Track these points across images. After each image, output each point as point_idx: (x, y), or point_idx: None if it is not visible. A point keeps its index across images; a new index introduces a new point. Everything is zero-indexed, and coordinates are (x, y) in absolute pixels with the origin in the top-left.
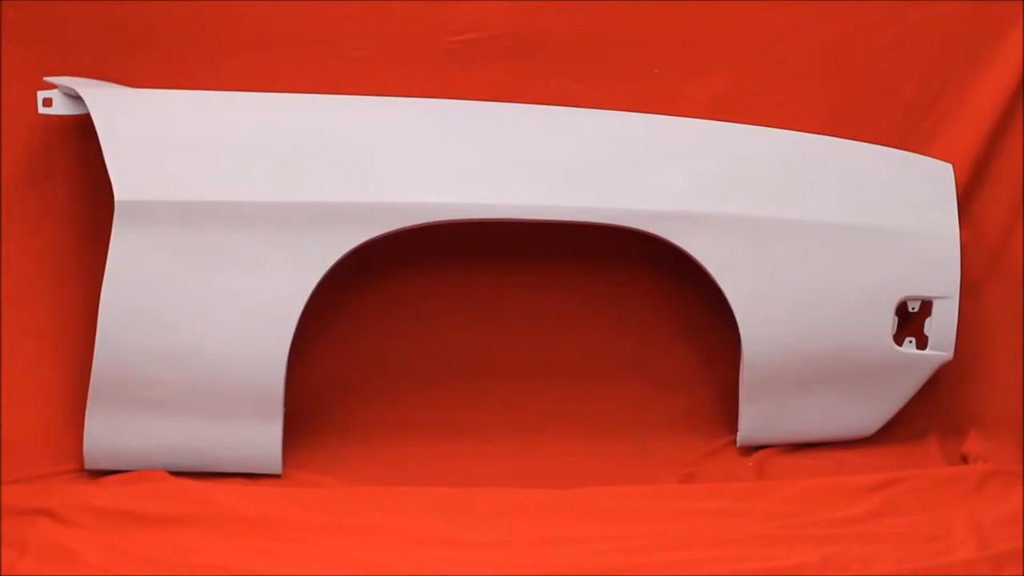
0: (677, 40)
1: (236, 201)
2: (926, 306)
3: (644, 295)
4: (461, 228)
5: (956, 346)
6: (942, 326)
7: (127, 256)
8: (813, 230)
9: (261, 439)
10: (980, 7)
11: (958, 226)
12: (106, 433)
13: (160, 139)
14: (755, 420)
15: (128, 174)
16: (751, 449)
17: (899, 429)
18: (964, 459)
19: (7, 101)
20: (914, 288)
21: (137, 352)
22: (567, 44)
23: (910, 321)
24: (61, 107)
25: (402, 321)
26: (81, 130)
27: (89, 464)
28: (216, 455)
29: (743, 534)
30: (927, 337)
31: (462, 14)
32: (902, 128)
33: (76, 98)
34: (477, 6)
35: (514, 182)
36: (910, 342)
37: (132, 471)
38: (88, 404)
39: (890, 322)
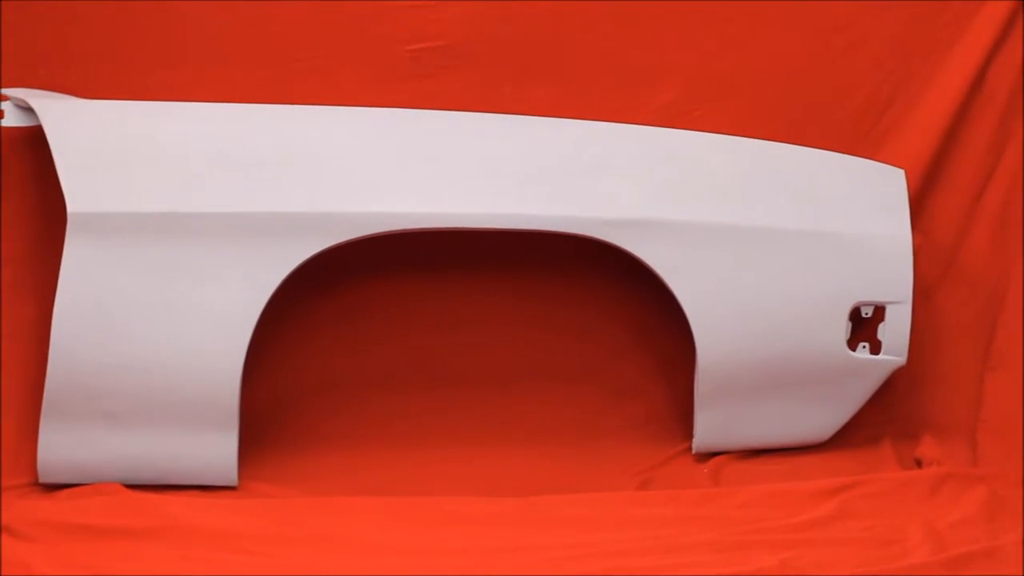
0: (631, 47)
1: (190, 212)
2: (879, 311)
3: (599, 302)
4: (416, 237)
5: (909, 351)
6: (895, 331)
7: (80, 268)
8: (766, 236)
9: (216, 450)
10: (930, 14)
11: (911, 231)
12: (60, 446)
13: (113, 150)
14: (710, 426)
15: (81, 186)
16: (707, 455)
17: (854, 434)
18: (918, 463)
19: None
20: (867, 293)
21: (91, 364)
22: (520, 52)
23: (863, 326)
24: (13, 119)
25: (357, 331)
26: (33, 142)
27: (43, 478)
28: (171, 467)
29: (699, 540)
30: (880, 342)
31: (415, 23)
32: (854, 134)
33: (28, 109)
34: (430, 15)
35: (468, 191)
36: (864, 347)
37: (87, 484)
38: (42, 417)
39: (844, 327)
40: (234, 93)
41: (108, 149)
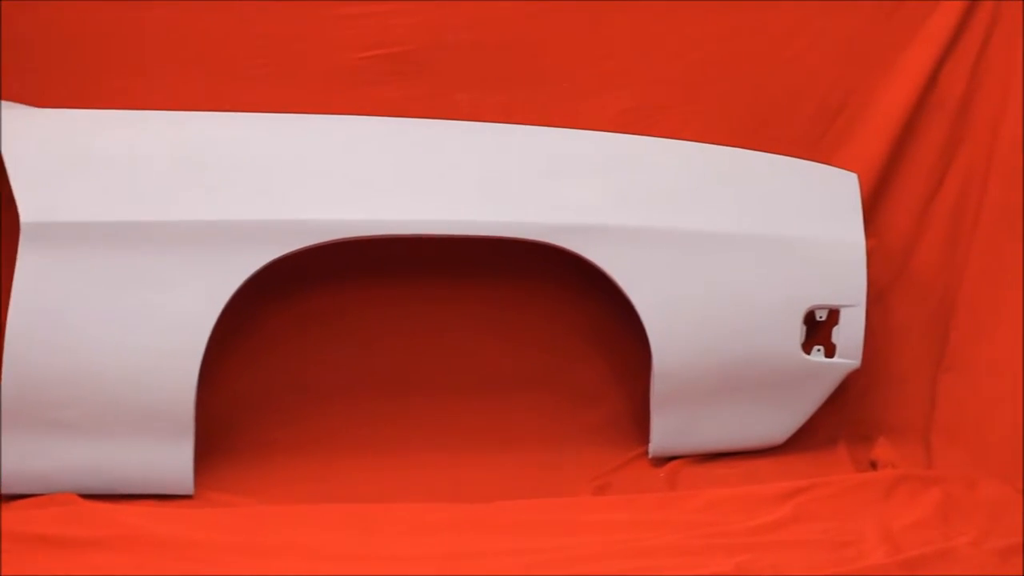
0: (584, 54)
1: (144, 221)
2: (833, 315)
3: (555, 308)
4: (371, 244)
5: (863, 354)
6: (849, 334)
7: (34, 278)
8: (721, 241)
9: (173, 460)
10: (881, 18)
11: (864, 235)
12: (15, 457)
13: (66, 159)
14: (666, 430)
15: (34, 195)
16: (663, 460)
17: (809, 437)
18: (873, 465)
19: None
20: (821, 297)
21: (45, 374)
22: (474, 59)
23: (818, 330)
24: None
25: (313, 339)
26: None
27: None
28: (127, 476)
29: (656, 544)
30: (835, 345)
31: (369, 31)
32: (808, 138)
33: None
34: (383, 22)
35: (423, 198)
36: (818, 350)
37: (42, 495)
38: None
39: (798, 331)
40: (188, 101)
41: (61, 158)
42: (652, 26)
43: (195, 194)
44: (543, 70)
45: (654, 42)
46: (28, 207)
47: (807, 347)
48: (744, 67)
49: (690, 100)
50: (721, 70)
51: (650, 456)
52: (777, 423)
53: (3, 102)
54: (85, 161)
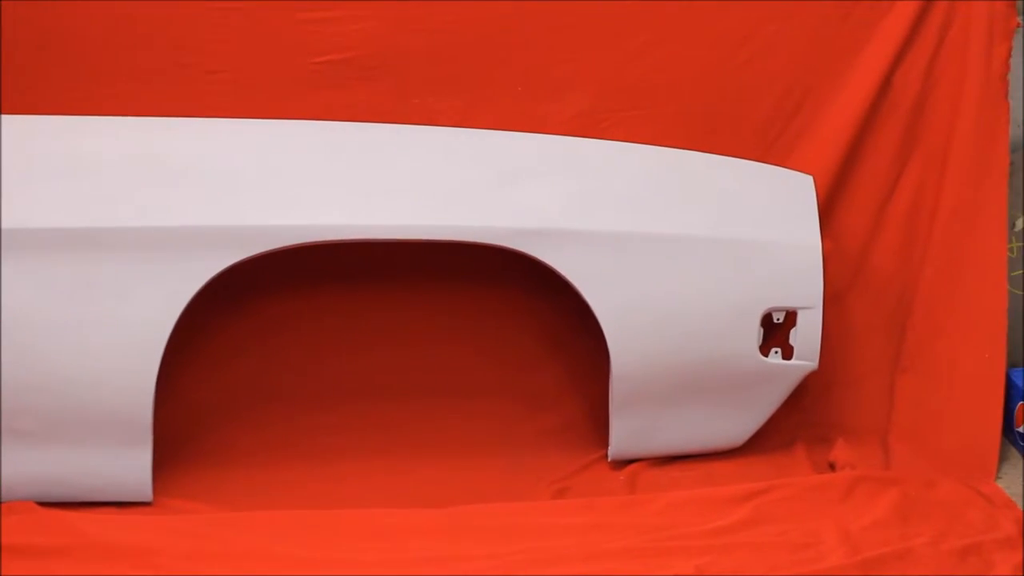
0: (540, 58)
1: (98, 227)
2: (791, 316)
3: (513, 312)
4: (328, 250)
5: (821, 355)
6: (807, 336)
7: None
8: (678, 244)
9: (131, 467)
10: (835, 20)
11: (820, 237)
12: None
13: (21, 165)
14: (625, 434)
15: None
16: (622, 463)
17: (767, 439)
18: (831, 467)
19: None
20: (778, 299)
21: (1, 382)
22: (429, 64)
23: (775, 332)
24: None
25: (271, 346)
26: None
27: None
28: (85, 484)
29: (616, 548)
30: (792, 347)
31: (324, 35)
32: (763, 141)
33: None
34: (338, 27)
35: (380, 202)
36: (776, 352)
37: None
38: None
39: (756, 333)
40: (143, 106)
41: (15, 164)
42: (607, 30)
43: (151, 199)
44: (499, 74)
45: (609, 46)
46: None
47: (765, 349)
48: (699, 70)
49: (646, 103)
50: (676, 73)
51: (609, 459)
52: (736, 425)
53: None
54: (40, 167)
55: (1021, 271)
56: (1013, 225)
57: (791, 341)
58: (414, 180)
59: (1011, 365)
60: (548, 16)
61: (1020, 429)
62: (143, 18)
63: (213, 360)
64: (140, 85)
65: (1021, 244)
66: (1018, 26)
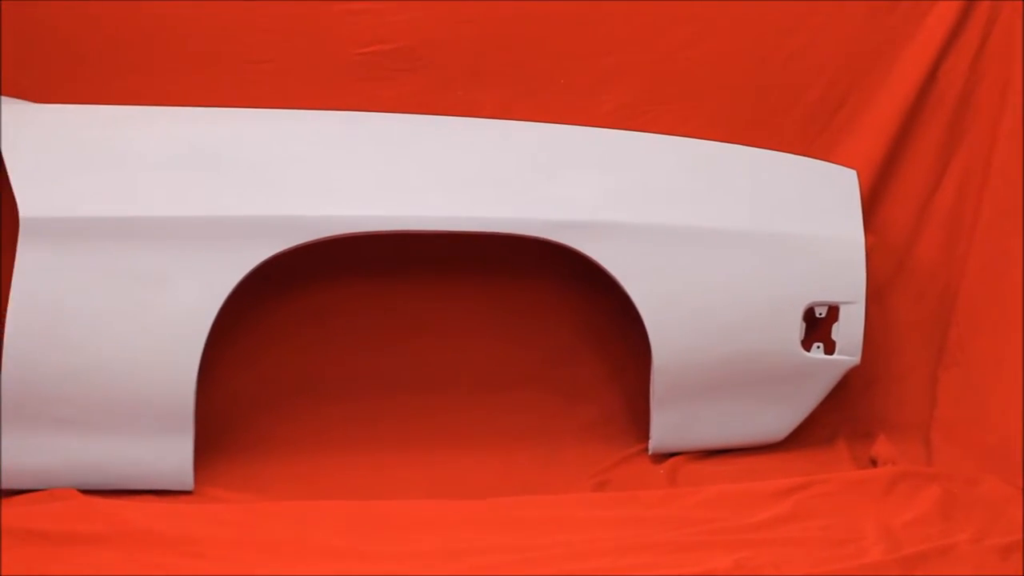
0: (582, 50)
1: (144, 216)
2: (833, 311)
3: (553, 304)
4: (370, 240)
5: (863, 350)
6: (849, 331)
7: (33, 273)
8: (720, 237)
9: (172, 455)
10: (881, 15)
11: (863, 231)
12: (15, 452)
13: (66, 154)
14: (666, 427)
15: (33, 190)
16: (662, 456)
17: (808, 434)
18: (873, 462)
19: None
20: (821, 294)
21: (45, 370)
22: (473, 56)
23: (817, 326)
24: None
25: (312, 336)
26: None
27: None
28: (127, 472)
29: (655, 541)
30: (834, 342)
31: (368, 26)
32: (807, 135)
33: None
34: (382, 18)
35: (421, 194)
36: (818, 347)
37: (42, 490)
38: None
39: (798, 328)
40: (188, 97)
41: (61, 153)
42: (651, 22)
43: (195, 189)
44: (541, 66)
45: (653, 38)
46: (27, 202)
47: (807, 344)
48: (743, 63)
49: (688, 96)
50: (720, 66)
51: (650, 452)
52: (777, 420)
53: (3, 98)
54: (85, 156)
55: None
56: None
57: (833, 336)
58: (455, 172)
59: None
60: (591, 8)
61: None
62: (187, 8)
63: (253, 350)
64: (184, 75)
65: None
66: None
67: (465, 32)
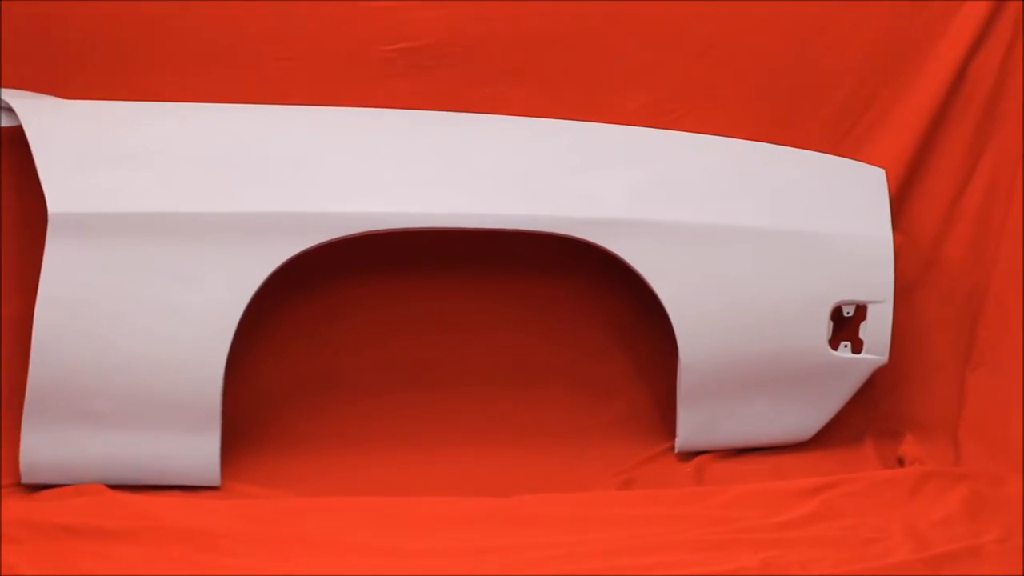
0: (611, 48)
1: (171, 212)
2: (860, 310)
3: (580, 302)
4: (397, 237)
5: (891, 350)
6: (877, 330)
7: (62, 268)
8: (747, 236)
9: (199, 451)
10: (909, 13)
11: (891, 230)
12: (42, 447)
13: (94, 150)
14: (693, 425)
15: (62, 186)
16: (689, 454)
17: (836, 433)
18: (900, 462)
19: None
20: (848, 292)
21: (73, 365)
22: (501, 52)
23: (845, 325)
24: None
25: (339, 332)
26: (13, 142)
27: (26, 478)
28: (154, 467)
29: (682, 539)
30: (862, 341)
31: (395, 23)
32: (835, 133)
33: (8, 110)
34: (410, 15)
35: (448, 191)
36: (845, 346)
37: (69, 485)
38: (24, 417)
39: (825, 326)
40: (214, 93)
41: (89, 149)
42: (679, 20)
43: (222, 186)
44: (570, 63)
45: (681, 36)
46: (56, 198)
47: (834, 343)
48: (771, 62)
49: (716, 95)
50: (748, 64)
51: (676, 451)
52: (804, 419)
53: (32, 93)
54: (112, 152)
55: None
56: None
57: (861, 335)
58: (483, 169)
59: None
60: (619, 6)
61: None
62: (214, 6)
63: (281, 345)
64: (211, 72)
65: None
66: None
67: (491, 30)
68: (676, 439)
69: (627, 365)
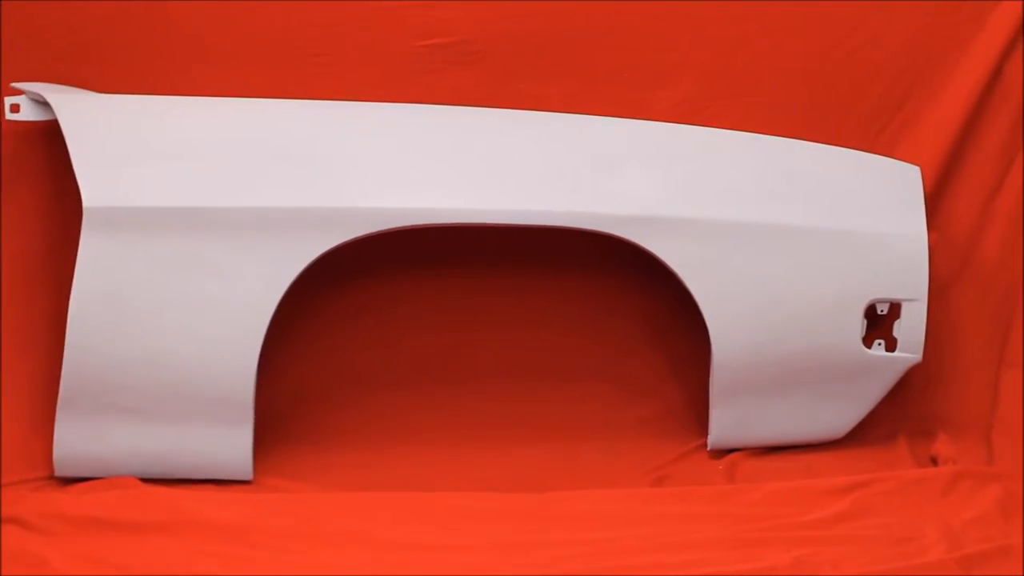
0: (646, 44)
1: (205, 207)
2: (895, 308)
3: (614, 299)
4: (431, 233)
5: (925, 348)
6: (911, 328)
7: (96, 262)
8: (781, 233)
9: (232, 445)
10: (945, 11)
11: (926, 228)
12: (76, 440)
13: (129, 145)
14: (726, 423)
15: (97, 180)
16: (722, 452)
17: (869, 431)
18: (933, 461)
19: None
20: (883, 290)
21: (106, 359)
22: (535, 48)
23: (879, 323)
24: (29, 113)
25: (373, 326)
26: (49, 136)
27: (59, 471)
28: (186, 461)
29: (714, 537)
30: (896, 339)
31: (430, 18)
32: (870, 131)
33: (44, 104)
34: (444, 11)
35: (483, 187)
36: (879, 344)
37: (102, 478)
38: (57, 411)
39: (859, 324)
40: (249, 88)
41: (124, 143)
42: (714, 17)
43: (256, 180)
44: (605, 60)
45: (716, 33)
46: (91, 192)
47: (868, 341)
48: (806, 59)
49: (751, 92)
50: (782, 61)
51: (709, 448)
52: (837, 417)
53: (66, 87)
54: (147, 146)
55: None
56: None
57: (895, 333)
58: (516, 165)
59: None
60: (652, 3)
61: None
62: (249, 4)
63: (313, 341)
64: (246, 67)
65: None
66: None
67: (524, 26)
68: (708, 437)
69: (660, 362)
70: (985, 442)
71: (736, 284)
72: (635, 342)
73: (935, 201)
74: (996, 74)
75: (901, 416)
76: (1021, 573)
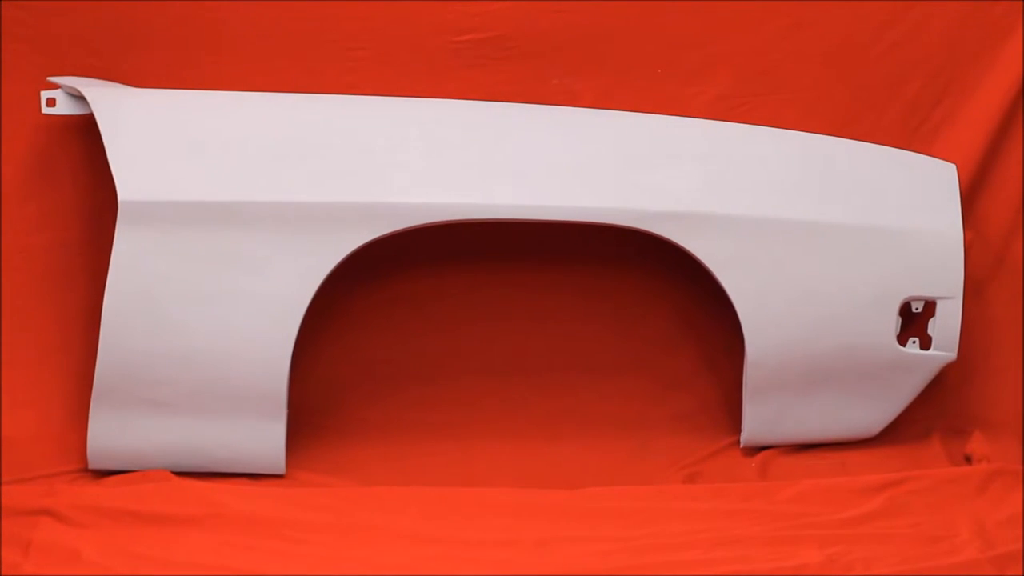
0: (680, 40)
1: (239, 201)
2: (930, 306)
3: (647, 295)
4: (464, 228)
5: (960, 346)
6: (946, 326)
7: (130, 256)
8: (816, 230)
9: (265, 439)
10: (982, 7)
11: (962, 226)
12: (110, 433)
13: (164, 139)
14: (758, 420)
15: (132, 174)
16: (754, 449)
17: (903, 429)
18: (968, 460)
19: (10, 101)
20: (918, 288)
21: (140, 352)
22: (570, 44)
23: (914, 321)
24: (65, 107)
25: (405, 321)
26: (84, 130)
27: (93, 464)
28: (220, 455)
29: (746, 534)
30: (931, 337)
31: (466, 14)
32: (906, 128)
33: (79, 98)
34: (480, 6)
35: (516, 182)
36: (914, 342)
37: (136, 471)
38: (92, 404)
39: (894, 322)
40: (286, 83)
41: (159, 138)
42: (749, 13)
43: (291, 175)
44: (639, 56)
45: (751, 29)
46: (126, 186)
47: (902, 339)
48: (842, 56)
49: (786, 88)
50: (819, 58)
51: (742, 445)
52: (871, 415)
53: (101, 81)
54: (183, 141)
55: None
56: None
57: (929, 331)
58: (553, 161)
59: None
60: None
61: None
62: None
63: (346, 335)
64: (282, 62)
65: None
66: None
67: (564, 21)
68: (742, 434)
69: (694, 358)
70: (1020, 441)
71: (770, 281)
72: (668, 338)
73: (971, 199)
74: None
75: (935, 414)
76: None
